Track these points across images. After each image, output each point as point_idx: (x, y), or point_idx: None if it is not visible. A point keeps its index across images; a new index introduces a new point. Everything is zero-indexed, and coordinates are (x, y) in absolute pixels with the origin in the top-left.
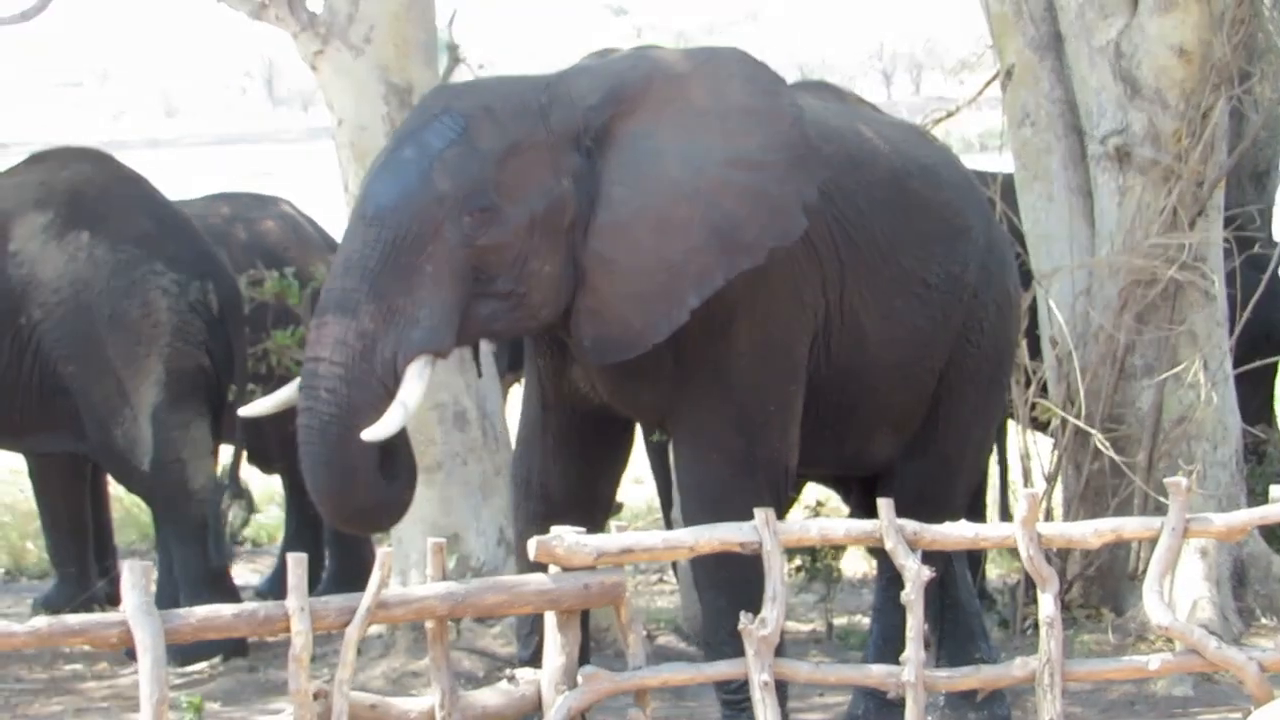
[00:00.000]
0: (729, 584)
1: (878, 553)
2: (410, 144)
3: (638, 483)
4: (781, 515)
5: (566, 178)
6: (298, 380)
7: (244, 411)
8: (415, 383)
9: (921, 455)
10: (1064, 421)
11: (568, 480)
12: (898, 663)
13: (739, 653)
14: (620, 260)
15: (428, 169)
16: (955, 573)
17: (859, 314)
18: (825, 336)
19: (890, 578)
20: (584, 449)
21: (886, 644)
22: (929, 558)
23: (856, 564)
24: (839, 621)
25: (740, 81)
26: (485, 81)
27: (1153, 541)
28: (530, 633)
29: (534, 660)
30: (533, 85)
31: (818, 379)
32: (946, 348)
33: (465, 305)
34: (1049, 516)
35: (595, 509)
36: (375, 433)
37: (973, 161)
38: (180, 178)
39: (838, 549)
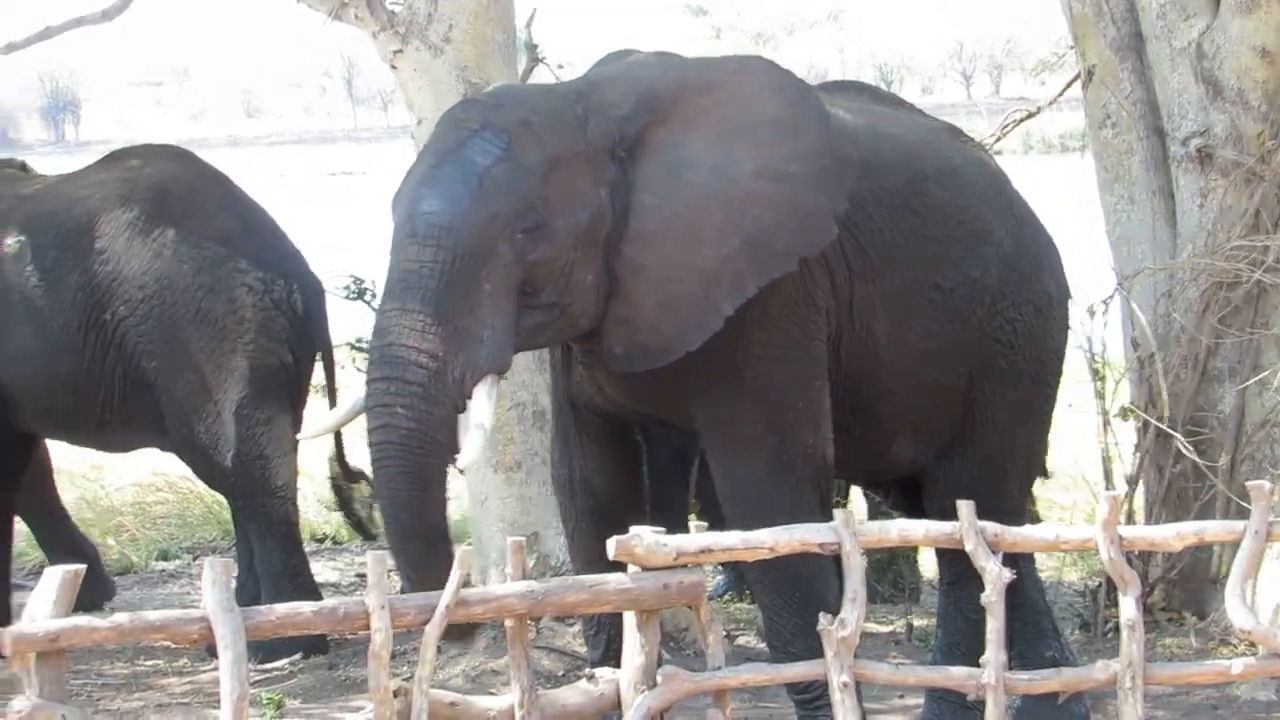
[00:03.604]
0: (785, 585)
1: (940, 556)
2: (453, 161)
3: None
4: (826, 510)
5: (604, 188)
6: (352, 403)
7: (303, 435)
8: (486, 404)
9: (960, 458)
10: (1146, 424)
11: (605, 475)
12: (965, 666)
13: (805, 653)
14: (651, 268)
15: (478, 187)
16: (1023, 572)
17: (870, 319)
18: (837, 341)
19: (951, 582)
20: (613, 445)
21: (952, 649)
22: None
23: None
24: (919, 623)
25: (770, 92)
26: (515, 93)
27: (1235, 545)
28: (597, 633)
29: (604, 660)
30: (564, 96)
31: (832, 383)
32: (969, 351)
33: (517, 319)
34: (1130, 519)
35: (640, 500)
36: (464, 459)
37: (1053, 162)
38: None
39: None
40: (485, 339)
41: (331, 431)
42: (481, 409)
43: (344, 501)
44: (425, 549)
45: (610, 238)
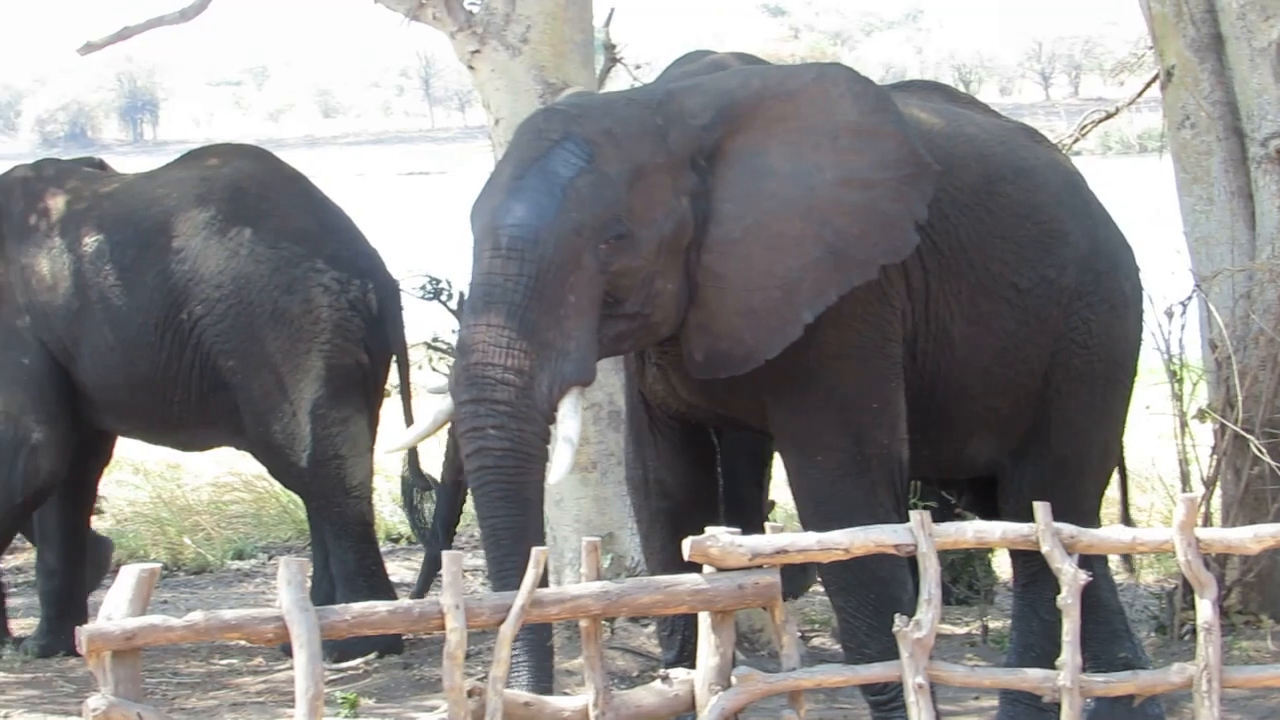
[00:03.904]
0: (860, 586)
1: (1014, 557)
2: (536, 173)
3: None
4: (901, 512)
5: (685, 196)
6: (433, 416)
7: (388, 449)
8: (573, 418)
9: (1036, 458)
10: (1223, 426)
11: (679, 475)
12: (1039, 668)
13: (879, 654)
14: (732, 276)
15: (561, 199)
16: (1097, 573)
17: (945, 319)
18: (912, 341)
19: (1025, 583)
20: (687, 446)
21: (1027, 650)
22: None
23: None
24: (994, 625)
25: (850, 99)
26: (595, 102)
27: None
28: (671, 634)
29: (679, 661)
30: (645, 105)
31: (907, 383)
32: (1045, 351)
33: (600, 329)
34: (1207, 521)
35: (714, 501)
36: (554, 475)
37: (1132, 163)
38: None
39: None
40: (571, 351)
41: (415, 444)
42: (569, 422)
43: (410, 506)
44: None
45: (691, 246)
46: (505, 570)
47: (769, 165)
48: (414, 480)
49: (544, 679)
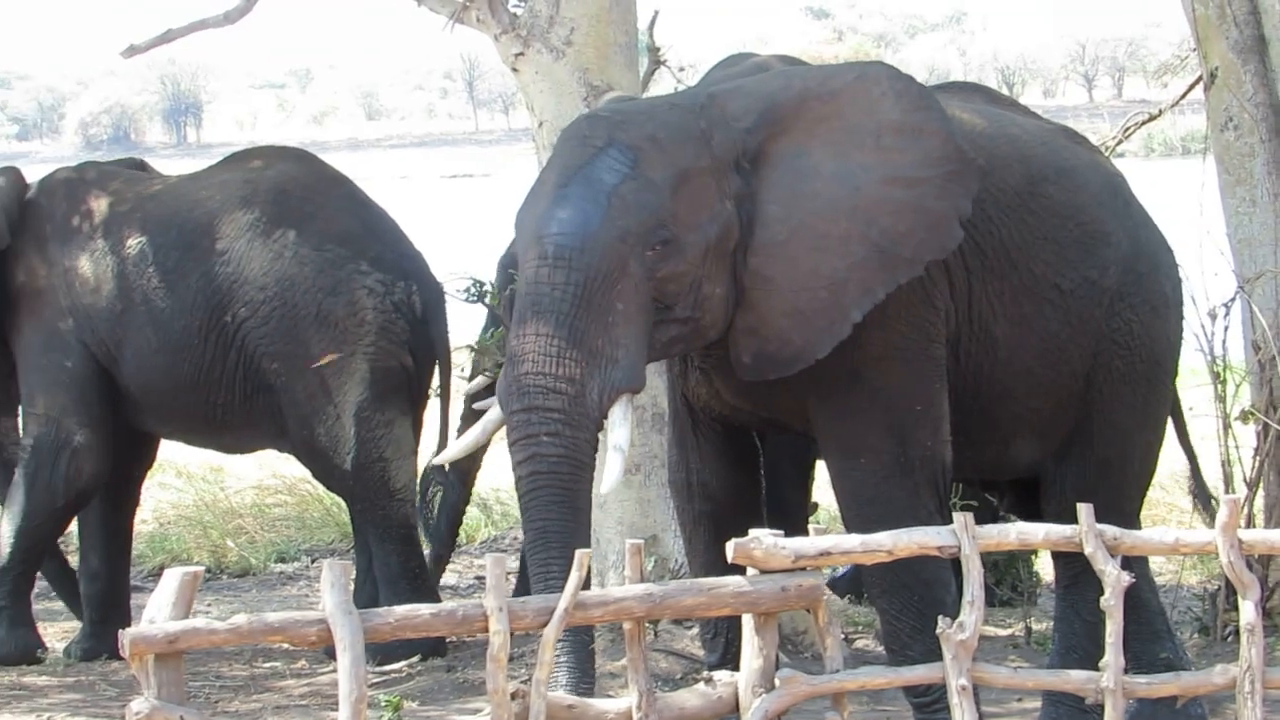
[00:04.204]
0: (903, 588)
1: (1056, 559)
2: (580, 180)
3: None
4: (944, 513)
5: (729, 200)
6: (482, 425)
7: (437, 460)
8: (623, 426)
9: (1078, 459)
10: (1266, 427)
11: (722, 478)
12: (1081, 669)
13: (922, 656)
14: (779, 278)
15: (607, 206)
16: (1138, 573)
17: (988, 320)
18: (955, 342)
19: (1068, 584)
20: (730, 449)
21: (1069, 652)
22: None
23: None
24: (1037, 626)
25: (892, 98)
26: (638, 108)
27: None
28: (714, 636)
29: (722, 663)
30: (687, 109)
31: (950, 384)
32: (1087, 352)
33: (649, 335)
34: (1250, 523)
35: (757, 503)
36: (606, 484)
37: (1175, 165)
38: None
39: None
40: (620, 359)
41: (468, 453)
42: (619, 430)
43: (424, 501)
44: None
45: (737, 249)
46: (551, 573)
47: (813, 166)
48: (433, 476)
49: (585, 681)
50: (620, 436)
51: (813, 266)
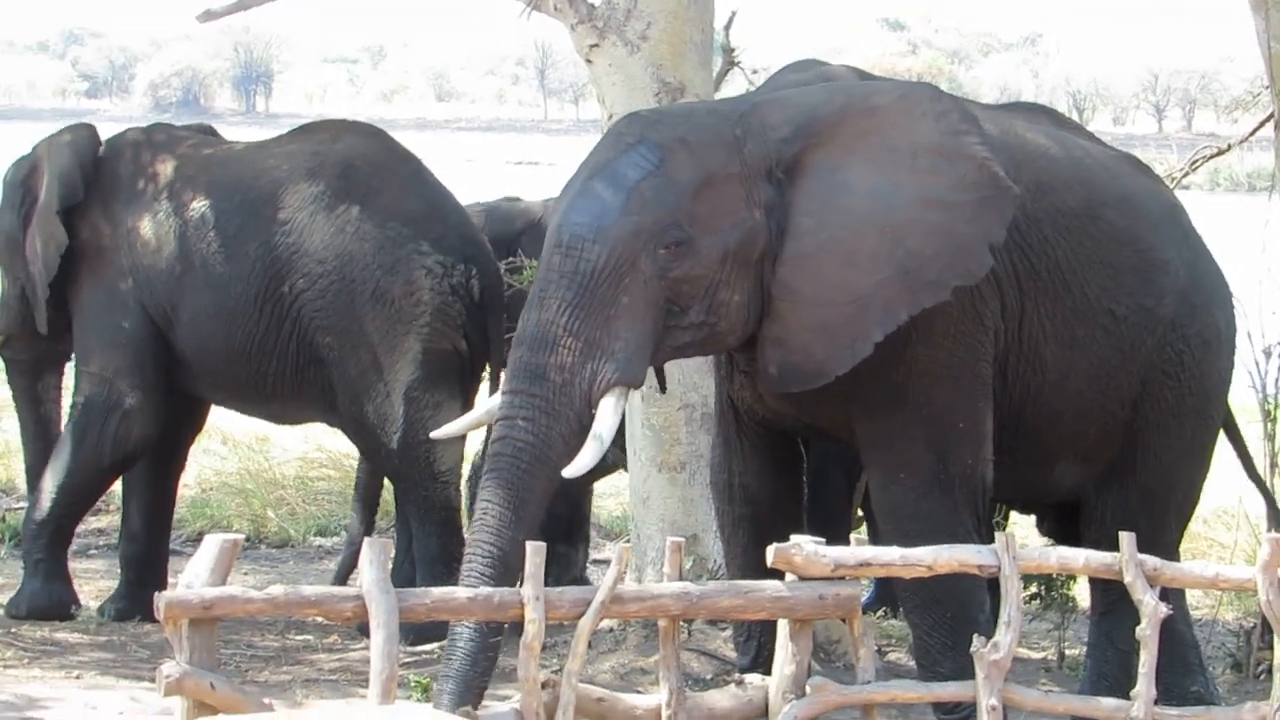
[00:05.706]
0: (935, 604)
1: (1093, 585)
2: (606, 174)
3: None
4: (982, 532)
5: (759, 209)
6: (484, 405)
7: (435, 434)
8: (610, 416)
9: (1121, 487)
10: None
11: (764, 482)
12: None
13: (953, 673)
14: (806, 291)
15: (625, 201)
16: (1174, 605)
17: (1039, 341)
18: (1004, 361)
19: (1104, 612)
20: (773, 453)
21: (1100, 679)
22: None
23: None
24: (1071, 652)
25: (931, 119)
26: (678, 110)
27: None
28: (747, 639)
29: (754, 667)
30: (726, 116)
31: (996, 404)
32: (1135, 380)
33: (659, 335)
34: None
35: (798, 509)
36: (574, 469)
37: (1240, 201)
38: (448, 161)
39: (1071, 578)
40: (617, 352)
41: (462, 433)
42: (605, 420)
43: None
44: (498, 569)
45: (765, 259)
46: (474, 557)
47: (848, 181)
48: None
49: (470, 693)
50: (603, 426)
51: (840, 281)
